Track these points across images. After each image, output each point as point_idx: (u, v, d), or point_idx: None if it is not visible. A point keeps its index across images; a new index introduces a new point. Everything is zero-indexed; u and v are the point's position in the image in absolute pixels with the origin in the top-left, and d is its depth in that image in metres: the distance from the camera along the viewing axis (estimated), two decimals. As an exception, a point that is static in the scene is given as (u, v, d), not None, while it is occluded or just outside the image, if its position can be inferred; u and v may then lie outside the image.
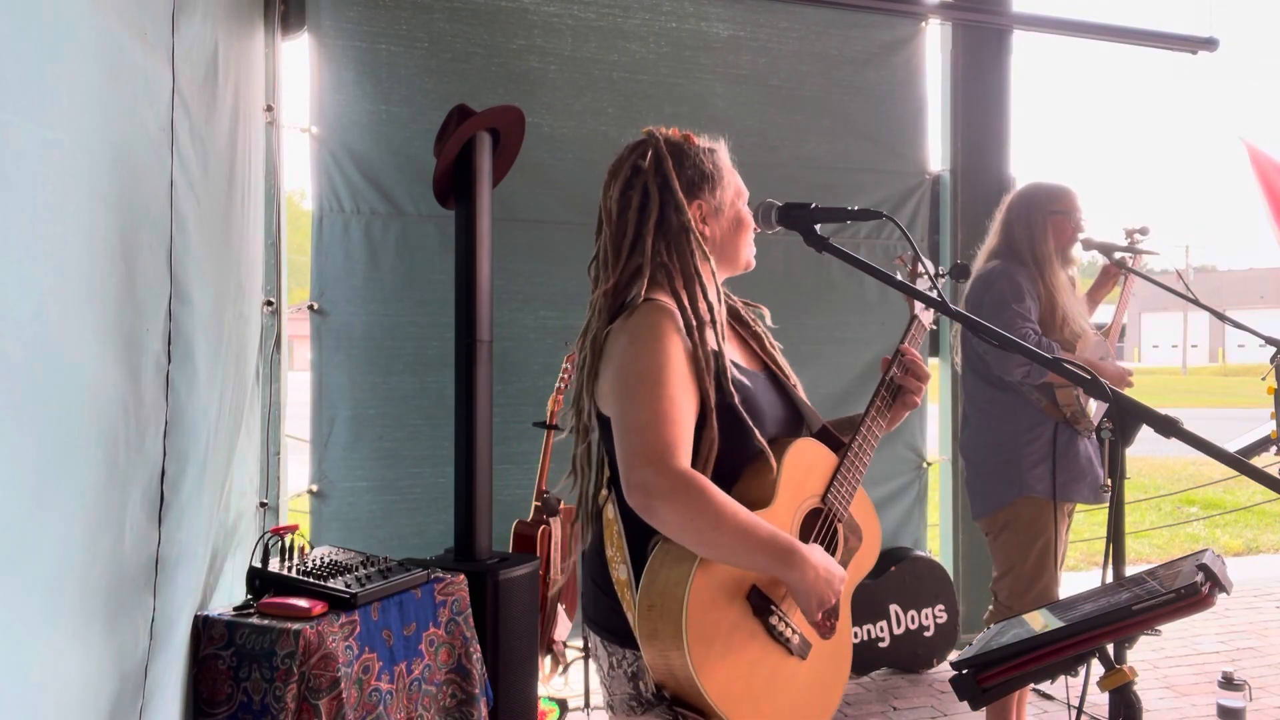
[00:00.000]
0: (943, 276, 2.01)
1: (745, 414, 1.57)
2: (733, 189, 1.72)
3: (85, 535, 1.56)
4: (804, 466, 1.62)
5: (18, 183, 1.30)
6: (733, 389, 1.57)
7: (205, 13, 2.30)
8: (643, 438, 1.47)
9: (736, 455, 1.59)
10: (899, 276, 1.79)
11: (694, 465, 1.54)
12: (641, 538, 1.54)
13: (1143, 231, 3.05)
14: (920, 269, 1.96)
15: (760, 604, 1.50)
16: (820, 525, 1.63)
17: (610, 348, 1.58)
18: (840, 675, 1.63)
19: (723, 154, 1.74)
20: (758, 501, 1.55)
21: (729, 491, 1.56)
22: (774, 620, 1.51)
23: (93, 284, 1.58)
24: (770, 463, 1.57)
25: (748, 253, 1.74)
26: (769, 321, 1.82)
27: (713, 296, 1.60)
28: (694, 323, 1.55)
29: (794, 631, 1.54)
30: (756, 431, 1.58)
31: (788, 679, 1.54)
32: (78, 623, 1.53)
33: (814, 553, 1.50)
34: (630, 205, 1.64)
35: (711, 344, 1.57)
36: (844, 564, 1.66)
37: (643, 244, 1.61)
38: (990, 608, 2.97)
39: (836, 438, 1.72)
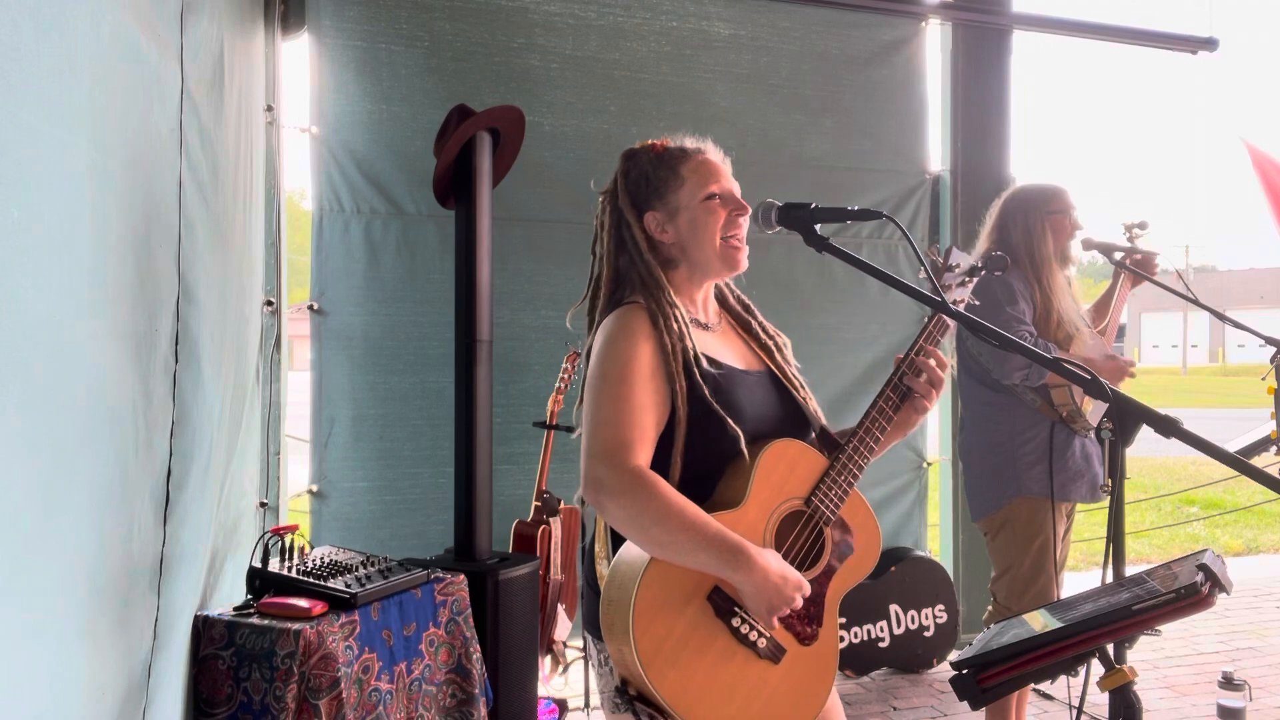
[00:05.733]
0: (981, 270, 1.95)
1: (716, 405, 1.57)
2: (692, 186, 1.68)
3: (95, 534, 1.56)
4: (784, 467, 1.60)
5: (37, 184, 1.30)
6: (701, 380, 1.57)
7: (212, 13, 2.31)
8: (600, 435, 1.51)
9: (710, 449, 1.59)
10: (923, 257, 1.75)
11: (664, 459, 1.56)
12: (622, 536, 1.55)
13: (1141, 226, 3.04)
14: (953, 263, 1.92)
15: (722, 605, 1.49)
16: (801, 528, 1.61)
17: (591, 349, 1.64)
18: (823, 683, 1.59)
19: (691, 153, 1.72)
20: (728, 502, 1.54)
21: (708, 491, 1.58)
22: (736, 622, 1.50)
23: (106, 284, 1.58)
24: (746, 461, 1.57)
25: (719, 250, 1.67)
26: (788, 355, 1.81)
27: (675, 298, 1.64)
28: (662, 320, 1.59)
29: (760, 634, 1.52)
30: (729, 421, 1.56)
31: (756, 682, 1.52)
32: (86, 622, 1.53)
33: (764, 555, 1.48)
34: (599, 228, 1.75)
35: (680, 340, 1.59)
36: (831, 569, 1.63)
37: (606, 261, 1.72)
38: (989, 607, 2.97)
39: (836, 442, 1.71)
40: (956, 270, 1.91)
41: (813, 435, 1.74)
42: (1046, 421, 2.80)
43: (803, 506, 1.61)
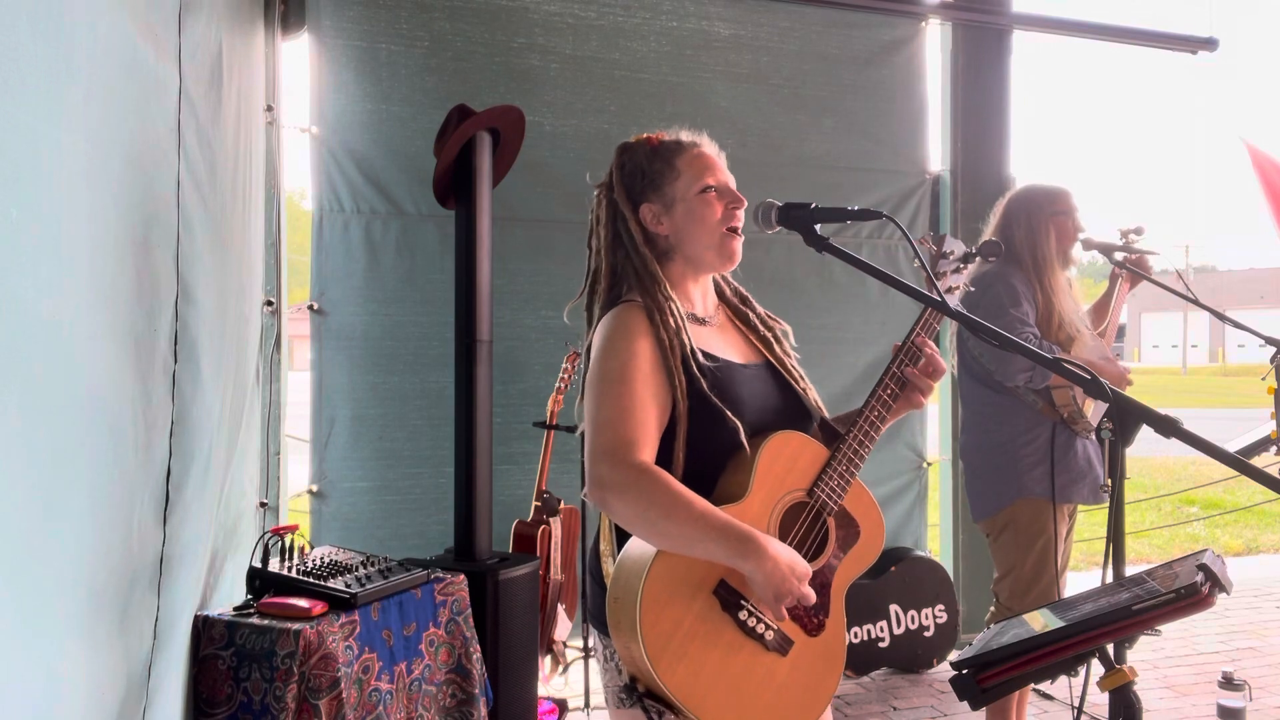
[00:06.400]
0: (974, 256, 1.96)
1: (716, 399, 1.57)
2: (688, 179, 1.68)
3: (95, 535, 1.56)
4: (785, 459, 1.60)
5: (36, 184, 1.30)
6: (699, 374, 1.58)
7: (210, 13, 2.31)
8: (602, 434, 1.51)
9: (712, 444, 1.58)
10: (924, 257, 1.75)
11: (666, 454, 1.56)
12: (627, 531, 1.55)
13: (1137, 231, 3.05)
14: (946, 250, 1.92)
15: (729, 598, 1.49)
16: (805, 519, 1.61)
17: (591, 349, 1.64)
18: (830, 674, 1.60)
19: (687, 146, 1.72)
20: (731, 495, 1.54)
21: (710, 485, 1.58)
22: (743, 615, 1.50)
23: (104, 284, 1.58)
24: (747, 454, 1.57)
25: (716, 242, 1.67)
26: (792, 340, 1.81)
27: (671, 292, 1.64)
28: (659, 315, 1.59)
29: (767, 627, 1.52)
30: (729, 414, 1.56)
31: (765, 675, 1.52)
32: (86, 623, 1.53)
33: (773, 544, 1.48)
34: (594, 222, 1.75)
35: (677, 334, 1.59)
36: (836, 559, 1.64)
37: (603, 255, 1.71)
38: (992, 608, 2.97)
39: (836, 431, 1.71)
40: (950, 257, 1.92)
41: (814, 426, 1.74)
42: (1048, 423, 2.80)
43: (805, 498, 1.61)
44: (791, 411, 1.71)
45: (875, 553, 1.69)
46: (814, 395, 1.75)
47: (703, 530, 1.45)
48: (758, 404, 1.65)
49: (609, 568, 1.59)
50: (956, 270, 1.93)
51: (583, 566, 3.49)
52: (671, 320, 1.60)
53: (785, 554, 1.49)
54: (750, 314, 1.81)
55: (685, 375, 1.57)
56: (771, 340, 1.78)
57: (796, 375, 1.76)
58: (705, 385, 1.58)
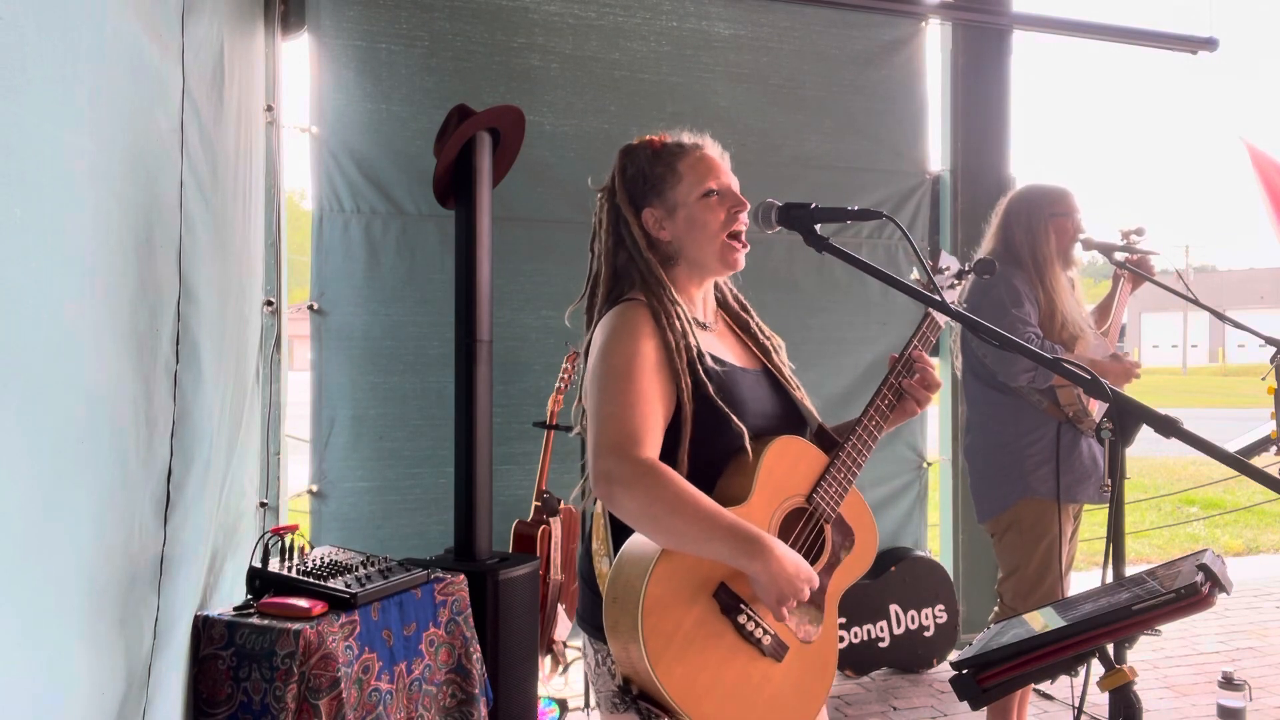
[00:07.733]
0: (968, 273, 1.96)
1: (722, 403, 1.57)
2: (690, 182, 1.67)
3: (96, 535, 1.56)
4: (786, 464, 1.60)
5: (40, 185, 1.30)
6: (705, 378, 1.57)
7: (212, 13, 2.31)
8: (608, 428, 1.50)
9: (715, 447, 1.58)
10: (923, 259, 1.76)
11: (669, 457, 1.55)
12: (624, 531, 1.54)
13: (1138, 232, 3.05)
14: (942, 265, 1.92)
15: (729, 602, 1.49)
16: (803, 526, 1.61)
17: (592, 345, 1.63)
18: (823, 681, 1.60)
19: (689, 148, 1.71)
20: (733, 498, 1.54)
21: (710, 488, 1.57)
22: (743, 619, 1.50)
23: (107, 285, 1.58)
24: (749, 458, 1.57)
25: (718, 250, 1.67)
26: (784, 356, 1.81)
27: (676, 296, 1.64)
28: (664, 319, 1.59)
29: (765, 632, 1.52)
30: (735, 419, 1.56)
31: (760, 680, 1.52)
32: (87, 623, 1.53)
33: (779, 546, 1.48)
34: (597, 226, 1.74)
35: (684, 337, 1.59)
36: (831, 566, 1.64)
37: (605, 259, 1.70)
38: (995, 609, 2.97)
39: (833, 439, 1.72)
40: (946, 273, 1.92)
41: (810, 433, 1.75)
42: (1053, 422, 2.80)
43: (804, 504, 1.62)
44: (789, 417, 1.72)
45: (868, 561, 1.70)
46: (809, 403, 1.76)
47: (710, 529, 1.44)
48: (758, 409, 1.65)
49: (603, 568, 1.58)
50: (951, 286, 1.93)
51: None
52: (678, 323, 1.59)
53: (791, 556, 1.49)
54: (750, 321, 1.81)
55: (692, 378, 1.57)
56: (770, 349, 1.79)
57: (794, 384, 1.76)
58: (712, 389, 1.57)
